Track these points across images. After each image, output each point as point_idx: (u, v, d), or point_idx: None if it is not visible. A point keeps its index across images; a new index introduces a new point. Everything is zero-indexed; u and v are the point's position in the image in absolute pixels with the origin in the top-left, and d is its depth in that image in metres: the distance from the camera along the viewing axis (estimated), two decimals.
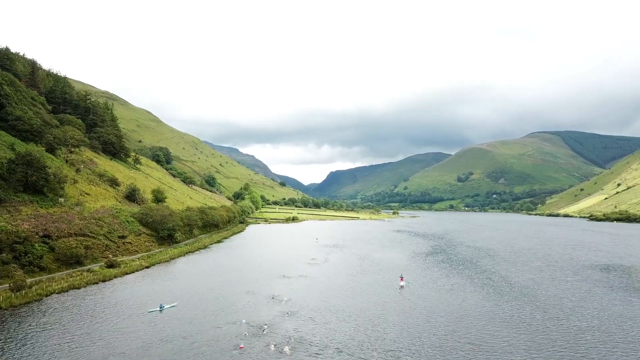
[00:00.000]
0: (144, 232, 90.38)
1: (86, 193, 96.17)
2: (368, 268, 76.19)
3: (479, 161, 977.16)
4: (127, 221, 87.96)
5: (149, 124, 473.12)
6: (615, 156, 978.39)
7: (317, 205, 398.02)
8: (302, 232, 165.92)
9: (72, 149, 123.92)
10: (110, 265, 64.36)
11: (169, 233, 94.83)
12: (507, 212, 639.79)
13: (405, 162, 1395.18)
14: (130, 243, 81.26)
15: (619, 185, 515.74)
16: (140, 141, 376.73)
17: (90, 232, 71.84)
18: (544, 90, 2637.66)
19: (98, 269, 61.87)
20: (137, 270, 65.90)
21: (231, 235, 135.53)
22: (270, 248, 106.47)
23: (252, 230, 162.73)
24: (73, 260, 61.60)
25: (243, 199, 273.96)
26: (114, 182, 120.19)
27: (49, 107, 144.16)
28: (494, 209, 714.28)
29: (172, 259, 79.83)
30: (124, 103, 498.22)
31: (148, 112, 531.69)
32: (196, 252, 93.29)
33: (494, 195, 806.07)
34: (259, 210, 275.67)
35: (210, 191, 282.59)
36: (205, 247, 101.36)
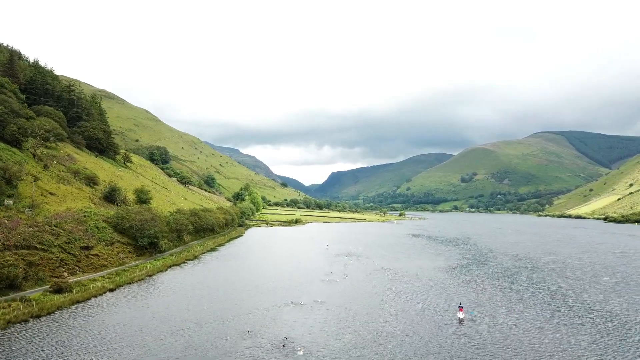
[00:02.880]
0: (119, 241, 73.32)
1: (50, 193, 79.21)
2: (402, 288, 59.08)
3: (482, 161, 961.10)
4: (97, 227, 70.94)
5: (147, 123, 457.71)
6: (621, 156, 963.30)
7: (319, 207, 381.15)
8: (308, 236, 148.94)
9: (46, 143, 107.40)
10: (59, 290, 47.35)
11: (151, 241, 77.82)
12: (513, 213, 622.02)
13: (408, 163, 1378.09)
14: (97, 255, 64.18)
15: (631, 185, 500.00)
16: (137, 140, 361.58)
17: (40, 242, 54.86)
18: (544, 91, 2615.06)
19: (38, 296, 44.86)
20: (95, 296, 48.78)
21: (228, 241, 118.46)
22: (272, 258, 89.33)
23: (252, 235, 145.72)
24: (4, 285, 44.63)
25: (243, 199, 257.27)
26: (91, 181, 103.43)
27: (22, 97, 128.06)
28: (499, 209, 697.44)
29: (150, 275, 62.64)
30: (121, 102, 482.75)
31: (146, 111, 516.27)
32: (183, 264, 76.09)
33: (499, 196, 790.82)
34: (259, 212, 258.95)
35: (209, 192, 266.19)
36: (195, 257, 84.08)
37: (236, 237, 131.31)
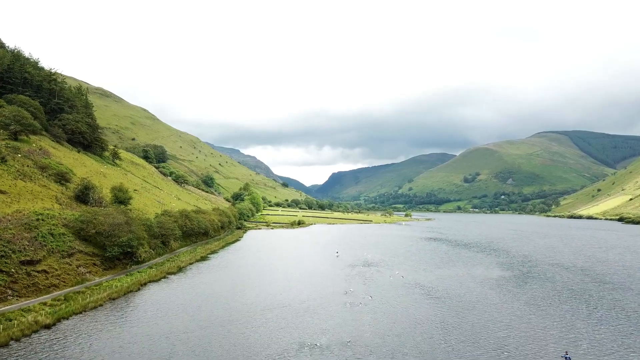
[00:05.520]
0: (81, 251, 57.93)
1: (0, 191, 63.97)
2: (453, 316, 43.39)
3: (485, 161, 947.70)
4: (51, 234, 55.59)
5: (145, 121, 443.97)
6: (626, 156, 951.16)
7: (321, 207, 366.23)
8: (314, 239, 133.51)
9: (6, 133, 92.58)
10: None
11: (123, 250, 62.50)
12: (519, 213, 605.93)
13: (409, 163, 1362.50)
14: (46, 272, 48.77)
15: None
16: (133, 139, 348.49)
17: None
18: (545, 91, 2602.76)
19: None
20: (17, 338, 33.31)
21: (223, 247, 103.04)
22: (274, 270, 73.77)
23: (251, 238, 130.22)
24: None
25: (242, 200, 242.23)
26: (62, 178, 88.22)
27: None
28: (503, 210, 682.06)
29: (113, 298, 47.25)
30: (118, 100, 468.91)
31: (144, 109, 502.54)
32: (163, 279, 60.60)
33: (503, 196, 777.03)
34: (260, 213, 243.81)
35: (207, 192, 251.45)
36: (179, 269, 68.53)
37: (233, 242, 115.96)
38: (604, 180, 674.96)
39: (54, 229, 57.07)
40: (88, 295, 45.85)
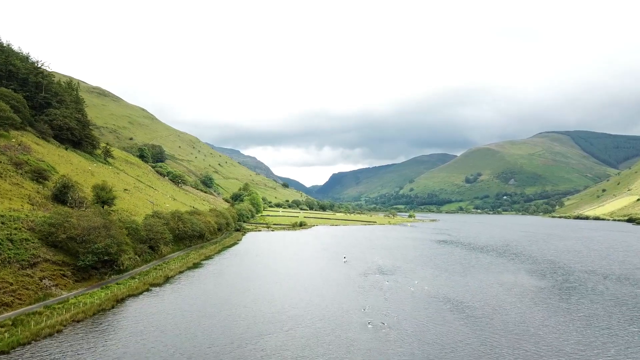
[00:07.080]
0: (48, 260, 48.83)
1: None
2: (503, 344, 33.88)
3: (487, 162, 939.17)
4: (11, 240, 46.52)
5: (143, 121, 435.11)
6: (628, 156, 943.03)
7: (323, 208, 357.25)
8: (317, 242, 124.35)
9: None
10: None
11: (100, 258, 53.36)
12: (522, 214, 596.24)
13: (410, 164, 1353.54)
14: None
15: None
16: (131, 138, 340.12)
17: None
18: (545, 91, 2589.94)
19: None
20: None
21: (219, 252, 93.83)
22: (275, 279, 64.52)
23: (251, 242, 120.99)
24: None
25: (242, 201, 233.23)
26: (40, 175, 79.42)
27: None
28: (506, 210, 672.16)
29: (77, 320, 38.06)
30: (116, 99, 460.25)
31: (143, 109, 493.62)
32: (145, 293, 51.29)
33: (505, 197, 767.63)
34: (260, 214, 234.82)
35: (205, 192, 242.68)
36: (166, 279, 59.24)
37: (230, 246, 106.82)
38: (608, 180, 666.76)
39: (15, 234, 48.00)
40: (45, 318, 36.68)
